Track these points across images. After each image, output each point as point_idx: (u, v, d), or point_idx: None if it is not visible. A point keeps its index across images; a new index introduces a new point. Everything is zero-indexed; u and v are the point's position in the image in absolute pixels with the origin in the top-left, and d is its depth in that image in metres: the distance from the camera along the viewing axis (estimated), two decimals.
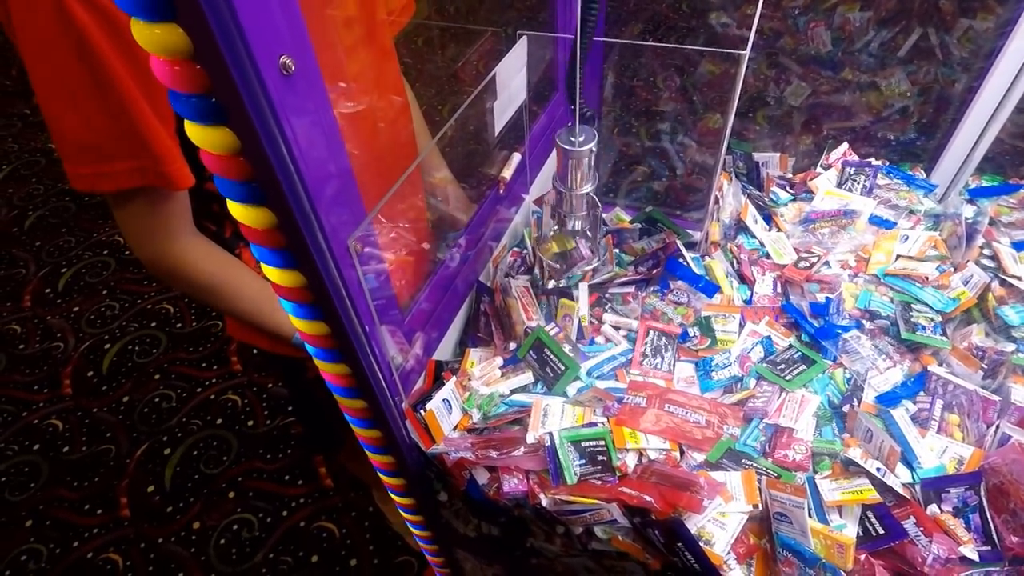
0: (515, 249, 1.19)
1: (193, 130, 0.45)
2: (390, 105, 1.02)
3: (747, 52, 0.88)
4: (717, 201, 1.15)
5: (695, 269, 1.11)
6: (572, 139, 0.89)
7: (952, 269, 1.05)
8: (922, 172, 1.26)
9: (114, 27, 0.66)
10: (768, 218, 1.24)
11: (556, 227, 1.05)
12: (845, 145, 1.28)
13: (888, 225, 1.16)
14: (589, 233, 1.05)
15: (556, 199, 1.00)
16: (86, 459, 2.28)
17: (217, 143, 0.45)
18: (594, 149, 0.91)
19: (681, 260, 1.11)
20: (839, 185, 1.24)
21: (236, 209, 0.50)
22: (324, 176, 0.60)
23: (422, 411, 0.85)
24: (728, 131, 0.89)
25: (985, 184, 1.21)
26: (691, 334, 1.03)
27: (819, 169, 1.29)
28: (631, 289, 1.12)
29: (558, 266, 1.06)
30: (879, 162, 1.26)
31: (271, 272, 0.54)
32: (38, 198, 3.48)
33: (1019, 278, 1.03)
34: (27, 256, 3.12)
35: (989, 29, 1.69)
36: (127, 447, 2.31)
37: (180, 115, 0.45)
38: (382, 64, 1.00)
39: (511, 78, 0.96)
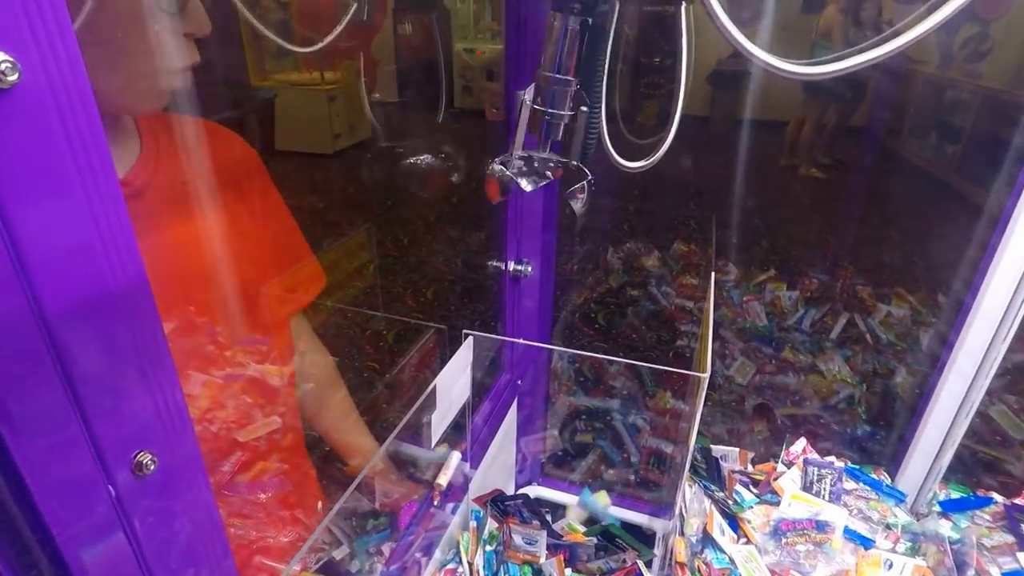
0: (449, 567, 0.99)
1: None
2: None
3: (707, 374, 0.83)
4: (681, 516, 1.02)
5: None
6: None
7: None
8: (886, 475, 1.20)
9: None
10: (734, 523, 1.11)
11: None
12: (803, 441, 1.22)
13: (866, 543, 1.05)
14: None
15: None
16: None
17: None
18: None
19: None
20: (805, 488, 1.15)
21: None
22: None
23: None
24: (688, 461, 0.79)
25: (955, 495, 1.15)
26: None
27: (780, 466, 1.21)
28: None
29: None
30: (841, 463, 1.19)
31: None
32: None
33: None
34: None
35: (906, 316, 1.82)
36: None
37: None
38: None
39: (454, 382, 0.87)
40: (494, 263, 1.08)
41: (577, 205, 0.71)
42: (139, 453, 0.39)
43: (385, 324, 2.51)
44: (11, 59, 0.26)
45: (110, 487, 0.37)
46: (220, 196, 0.76)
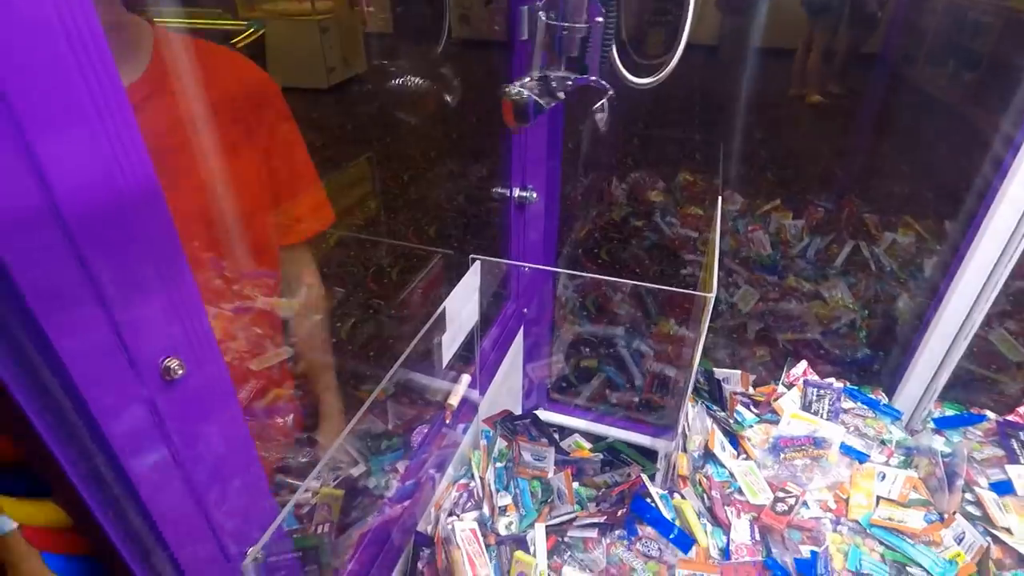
0: (461, 482, 1.04)
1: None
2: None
3: (712, 294, 0.84)
4: (684, 433, 1.06)
5: (664, 511, 0.98)
6: None
7: (940, 520, 0.96)
8: (883, 395, 1.23)
9: None
10: (735, 441, 1.16)
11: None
12: (804, 364, 1.25)
13: (861, 457, 1.09)
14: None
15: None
16: None
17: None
18: None
19: (648, 500, 0.98)
20: (804, 408, 1.19)
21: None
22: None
23: None
24: (692, 381, 0.81)
25: (949, 413, 1.18)
26: None
27: (781, 387, 1.25)
28: (593, 534, 0.98)
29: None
30: (840, 384, 1.22)
31: None
32: None
33: (1009, 531, 0.95)
34: None
35: (911, 243, 1.82)
36: None
37: None
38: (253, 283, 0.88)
39: (462, 307, 0.88)
40: (499, 189, 1.07)
41: (601, 120, 0.73)
42: (167, 359, 0.40)
43: (389, 260, 2.51)
44: None
45: (144, 389, 0.39)
46: (226, 122, 0.75)
